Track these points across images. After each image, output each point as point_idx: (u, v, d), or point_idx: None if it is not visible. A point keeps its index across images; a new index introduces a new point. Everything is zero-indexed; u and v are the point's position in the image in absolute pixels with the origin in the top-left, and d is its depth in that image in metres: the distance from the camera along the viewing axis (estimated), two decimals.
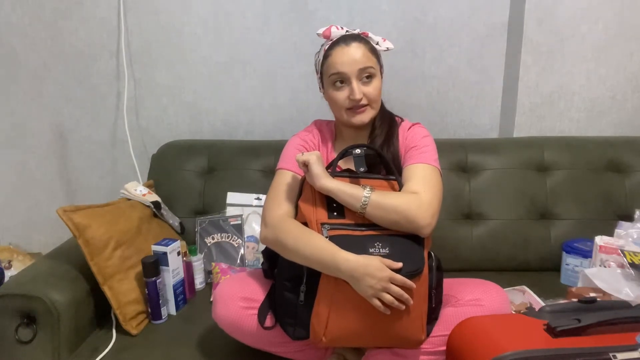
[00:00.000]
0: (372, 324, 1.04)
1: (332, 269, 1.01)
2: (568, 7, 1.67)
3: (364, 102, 1.19)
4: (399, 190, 1.13)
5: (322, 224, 1.06)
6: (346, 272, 1.00)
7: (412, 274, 1.02)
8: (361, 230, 1.07)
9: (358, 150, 1.14)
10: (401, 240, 1.07)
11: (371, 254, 1.02)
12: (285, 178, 1.21)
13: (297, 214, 1.14)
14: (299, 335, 1.10)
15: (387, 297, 1.00)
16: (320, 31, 1.22)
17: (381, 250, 1.04)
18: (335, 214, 1.08)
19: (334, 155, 1.26)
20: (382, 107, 1.29)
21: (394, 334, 1.05)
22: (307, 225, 1.08)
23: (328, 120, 1.36)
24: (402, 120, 1.31)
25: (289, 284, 1.11)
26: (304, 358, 1.19)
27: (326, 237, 1.04)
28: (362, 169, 1.13)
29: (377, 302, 1.00)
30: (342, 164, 1.22)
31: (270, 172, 1.69)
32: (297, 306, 1.09)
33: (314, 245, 1.04)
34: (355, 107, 1.20)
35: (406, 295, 1.00)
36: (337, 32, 1.21)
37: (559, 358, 0.86)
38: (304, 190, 1.14)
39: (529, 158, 1.63)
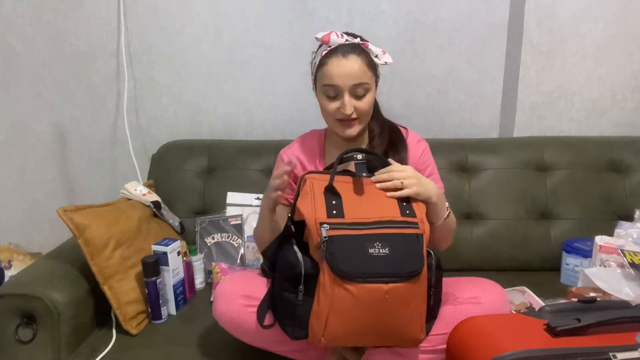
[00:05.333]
0: (371, 324, 1.03)
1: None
2: (568, 7, 1.67)
3: (354, 116, 1.19)
4: None
5: (321, 223, 1.06)
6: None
7: (412, 274, 1.02)
8: (361, 230, 1.07)
9: (359, 156, 1.14)
10: (401, 240, 1.06)
11: (371, 254, 1.02)
12: None
13: (295, 214, 1.13)
14: (298, 335, 1.10)
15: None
16: (320, 35, 1.19)
17: (381, 250, 1.03)
18: (334, 212, 1.08)
19: (324, 165, 1.28)
20: (379, 116, 1.30)
21: (393, 333, 1.04)
22: (305, 225, 1.08)
23: (317, 130, 1.38)
24: (407, 130, 1.33)
25: (288, 284, 1.10)
26: (304, 358, 1.19)
27: (325, 237, 1.04)
28: (364, 174, 1.13)
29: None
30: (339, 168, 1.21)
31: (270, 172, 1.69)
32: (295, 306, 1.09)
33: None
34: (344, 120, 1.20)
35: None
36: (336, 40, 1.17)
37: (559, 358, 0.86)
38: (302, 190, 1.14)
39: (529, 158, 1.63)
